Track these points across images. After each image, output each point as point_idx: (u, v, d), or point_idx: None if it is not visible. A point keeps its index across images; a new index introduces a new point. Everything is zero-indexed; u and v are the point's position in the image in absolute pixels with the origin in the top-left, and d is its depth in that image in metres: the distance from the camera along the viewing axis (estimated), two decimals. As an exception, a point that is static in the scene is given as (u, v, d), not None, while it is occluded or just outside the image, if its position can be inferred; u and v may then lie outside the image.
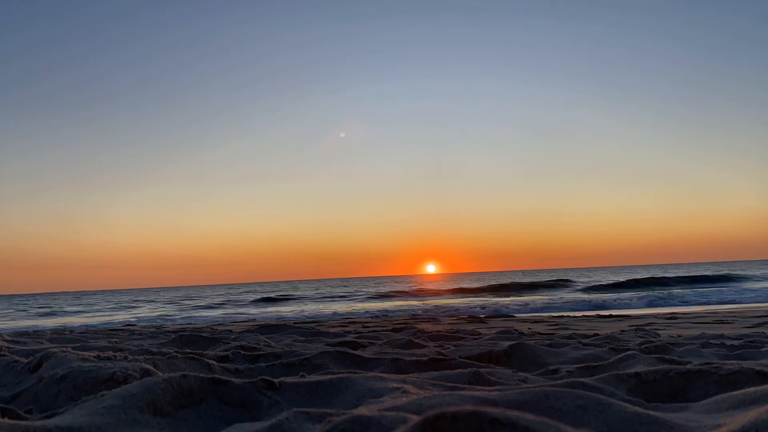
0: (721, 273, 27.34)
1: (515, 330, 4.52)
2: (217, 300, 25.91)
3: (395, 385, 1.36)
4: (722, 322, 6.00)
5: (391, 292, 25.82)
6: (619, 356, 2.03)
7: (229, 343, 3.18)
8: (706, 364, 1.63)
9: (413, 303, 17.71)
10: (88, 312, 21.63)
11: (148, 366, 1.67)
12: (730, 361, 1.95)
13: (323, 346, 3.00)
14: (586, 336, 3.86)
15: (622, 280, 25.82)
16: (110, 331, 6.06)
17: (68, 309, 24.23)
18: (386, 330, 5.18)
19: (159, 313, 18.52)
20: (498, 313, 11.77)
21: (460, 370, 1.71)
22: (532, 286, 25.69)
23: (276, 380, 1.39)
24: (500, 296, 20.96)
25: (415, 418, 0.75)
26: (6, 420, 1.04)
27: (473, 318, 8.08)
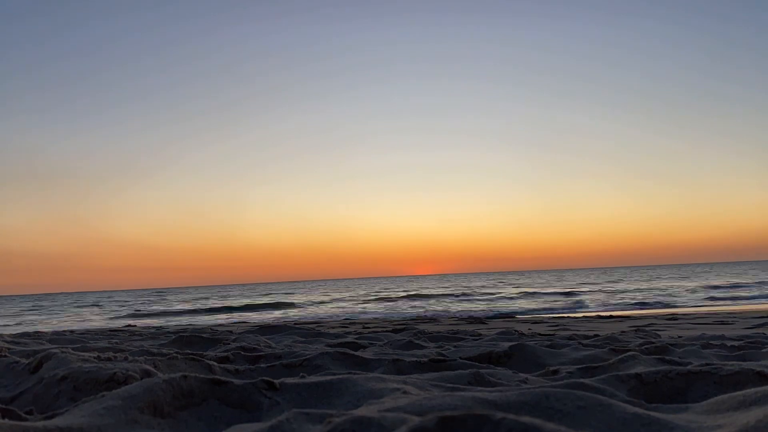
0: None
1: (515, 331, 4.52)
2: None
3: (396, 385, 1.36)
4: (722, 323, 6.00)
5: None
6: (620, 357, 2.03)
7: (229, 344, 3.18)
8: (707, 365, 1.63)
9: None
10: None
11: (148, 367, 1.67)
12: (730, 362, 1.95)
13: (323, 347, 3.00)
14: (587, 337, 3.86)
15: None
16: (110, 332, 6.06)
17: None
18: (386, 331, 5.18)
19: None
20: (499, 314, 11.79)
21: (460, 370, 1.71)
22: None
23: (276, 381, 1.39)
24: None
25: (415, 419, 0.75)
26: (6, 421, 1.04)
27: (473, 319, 8.08)
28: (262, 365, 2.06)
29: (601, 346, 2.87)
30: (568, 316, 9.21)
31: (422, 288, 32.30)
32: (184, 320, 15.44)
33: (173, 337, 3.66)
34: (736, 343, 3.00)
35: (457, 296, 21.81)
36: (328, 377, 1.46)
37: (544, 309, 14.73)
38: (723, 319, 6.52)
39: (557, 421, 1.00)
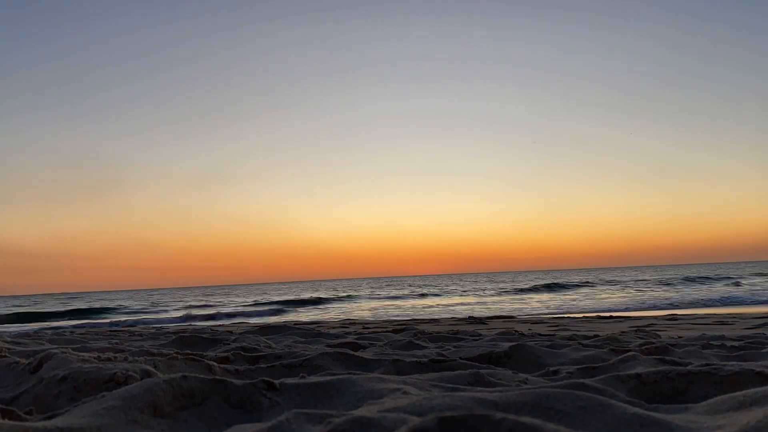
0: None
1: (515, 331, 4.52)
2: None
3: (396, 386, 1.36)
4: (722, 323, 6.00)
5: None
6: (620, 357, 2.03)
7: (229, 344, 3.18)
8: (707, 365, 1.63)
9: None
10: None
11: (148, 367, 1.67)
12: (730, 363, 1.95)
13: (323, 347, 3.00)
14: (587, 337, 3.86)
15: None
16: (111, 332, 6.06)
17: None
18: (386, 331, 5.18)
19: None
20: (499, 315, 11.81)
21: (460, 371, 1.71)
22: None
23: (276, 381, 1.39)
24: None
25: (415, 420, 0.75)
26: (6, 421, 1.04)
27: (473, 319, 8.08)
28: (262, 365, 2.06)
29: (601, 347, 2.87)
30: (568, 317, 9.20)
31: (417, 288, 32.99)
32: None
33: (173, 337, 3.66)
34: (736, 344, 3.00)
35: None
36: (328, 377, 1.46)
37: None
38: (723, 320, 6.52)
39: (557, 422, 1.00)
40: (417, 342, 3.25)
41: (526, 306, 15.82)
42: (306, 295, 26.95)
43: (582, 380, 1.48)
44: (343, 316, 13.66)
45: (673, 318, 7.27)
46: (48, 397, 1.52)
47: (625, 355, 2.05)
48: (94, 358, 1.89)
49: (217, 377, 1.33)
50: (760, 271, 33.84)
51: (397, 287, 36.59)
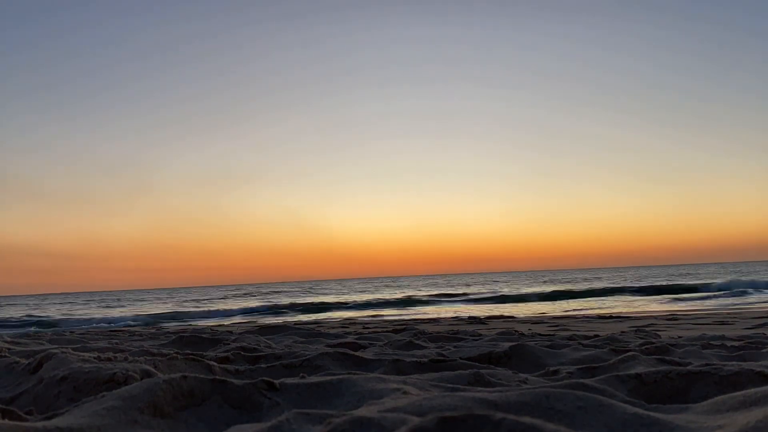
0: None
1: (515, 331, 4.52)
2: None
3: (395, 386, 1.36)
4: (723, 323, 6.01)
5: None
6: (620, 357, 2.03)
7: (229, 344, 3.18)
8: (707, 365, 1.63)
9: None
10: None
11: (148, 367, 1.68)
12: (730, 363, 1.95)
13: (323, 347, 3.00)
14: (587, 337, 3.86)
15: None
16: (110, 333, 6.07)
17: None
18: (386, 331, 5.18)
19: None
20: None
21: (460, 371, 1.71)
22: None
23: (276, 381, 1.39)
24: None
25: (415, 420, 0.75)
26: (6, 421, 1.04)
27: (473, 319, 8.08)
28: (262, 365, 2.06)
29: (601, 347, 2.87)
30: (568, 316, 9.21)
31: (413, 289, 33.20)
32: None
33: (173, 337, 3.66)
34: (736, 344, 3.00)
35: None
36: (328, 377, 1.46)
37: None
38: (723, 320, 6.53)
39: (557, 422, 1.00)
40: (417, 342, 3.25)
41: (524, 306, 15.88)
42: (306, 296, 27.17)
43: (582, 380, 1.48)
44: (343, 316, 13.66)
45: (673, 318, 7.27)
46: (48, 397, 1.52)
47: (625, 355, 2.05)
48: (94, 358, 1.90)
49: (217, 377, 1.33)
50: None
51: (397, 287, 36.87)
